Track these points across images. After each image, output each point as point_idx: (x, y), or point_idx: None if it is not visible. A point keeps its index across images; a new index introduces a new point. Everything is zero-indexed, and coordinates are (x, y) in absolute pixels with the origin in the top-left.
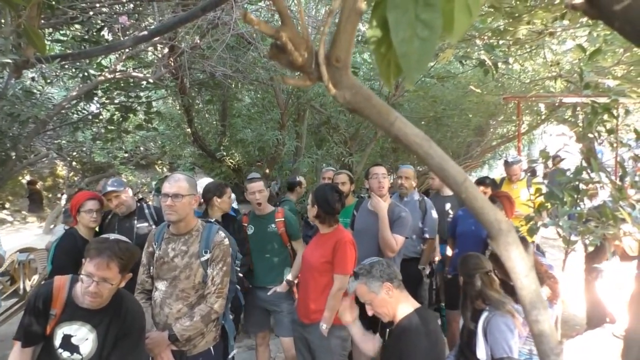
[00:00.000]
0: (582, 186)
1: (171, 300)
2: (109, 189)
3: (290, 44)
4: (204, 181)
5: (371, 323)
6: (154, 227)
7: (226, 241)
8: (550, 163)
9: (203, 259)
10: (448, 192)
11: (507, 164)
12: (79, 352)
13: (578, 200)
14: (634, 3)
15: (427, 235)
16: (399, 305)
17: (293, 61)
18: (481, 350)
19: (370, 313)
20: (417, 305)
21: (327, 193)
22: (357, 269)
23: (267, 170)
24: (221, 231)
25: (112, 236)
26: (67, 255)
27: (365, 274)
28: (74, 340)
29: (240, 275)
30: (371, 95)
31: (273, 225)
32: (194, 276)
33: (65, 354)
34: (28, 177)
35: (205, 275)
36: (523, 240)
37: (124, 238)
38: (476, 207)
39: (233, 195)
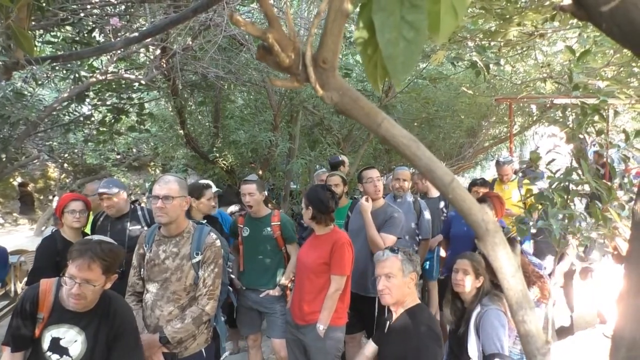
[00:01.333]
0: (572, 187)
1: (162, 302)
2: (100, 190)
3: (277, 45)
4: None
5: (357, 323)
6: (146, 229)
7: (218, 243)
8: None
9: (194, 260)
10: (435, 193)
11: (499, 165)
12: (68, 355)
13: (568, 201)
14: (621, 5)
15: (420, 237)
16: (408, 297)
17: (280, 62)
18: (472, 347)
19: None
20: (419, 301)
21: (320, 193)
22: (397, 248)
23: (260, 172)
24: (213, 233)
25: (96, 237)
26: (46, 257)
27: (407, 254)
28: (62, 343)
29: (233, 276)
30: (359, 96)
31: (269, 229)
32: (185, 278)
33: (55, 357)
34: (19, 179)
35: (196, 277)
36: (510, 241)
37: (107, 239)
38: (464, 208)
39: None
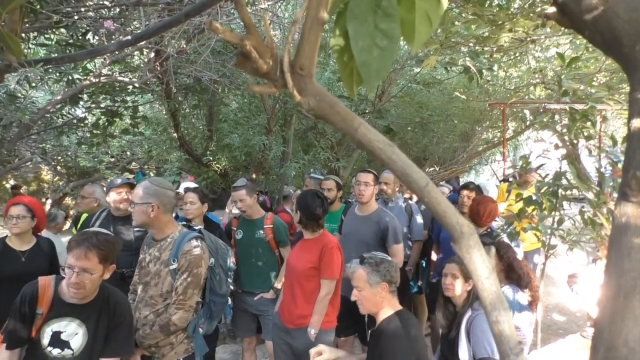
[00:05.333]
0: (561, 192)
1: (142, 305)
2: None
3: (254, 52)
4: (185, 184)
5: (350, 326)
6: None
7: (196, 251)
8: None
9: (171, 267)
10: None
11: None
12: (70, 348)
13: (557, 206)
14: (603, 13)
15: (412, 239)
16: (384, 307)
17: (258, 69)
18: (463, 352)
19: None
20: (399, 308)
21: (308, 199)
22: (366, 256)
23: (254, 175)
24: (195, 240)
25: (93, 229)
26: None
27: (373, 265)
28: (63, 336)
29: (232, 288)
30: (336, 102)
31: (261, 232)
32: (162, 284)
33: (56, 351)
34: (12, 182)
35: (173, 284)
36: (484, 244)
37: (104, 230)
38: (438, 211)
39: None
